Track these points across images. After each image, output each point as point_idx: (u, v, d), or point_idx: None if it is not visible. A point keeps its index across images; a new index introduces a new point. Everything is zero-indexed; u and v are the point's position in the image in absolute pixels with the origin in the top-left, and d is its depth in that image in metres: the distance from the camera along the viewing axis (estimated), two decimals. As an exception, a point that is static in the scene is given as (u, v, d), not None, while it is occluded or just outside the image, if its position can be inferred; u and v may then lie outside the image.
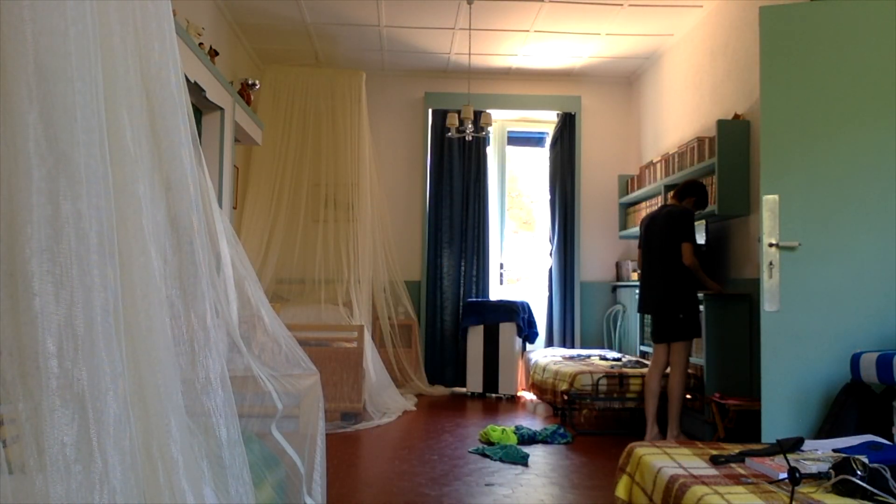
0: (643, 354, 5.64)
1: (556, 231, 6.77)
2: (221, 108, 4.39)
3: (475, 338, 6.26)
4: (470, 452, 4.15)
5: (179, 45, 2.36)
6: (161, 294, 1.24)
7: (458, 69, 6.64)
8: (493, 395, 6.27)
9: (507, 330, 6.16)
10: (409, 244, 6.81)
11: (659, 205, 5.59)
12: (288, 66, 6.43)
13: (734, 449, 2.32)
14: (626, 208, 6.57)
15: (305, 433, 2.09)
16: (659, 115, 6.20)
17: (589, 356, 5.65)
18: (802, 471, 1.85)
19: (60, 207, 0.99)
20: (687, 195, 4.41)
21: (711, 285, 4.31)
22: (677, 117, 5.76)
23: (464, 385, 6.39)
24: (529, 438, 4.47)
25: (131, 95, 1.24)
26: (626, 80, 6.96)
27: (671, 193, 4.57)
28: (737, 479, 1.96)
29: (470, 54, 6.08)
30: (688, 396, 4.60)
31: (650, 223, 4.45)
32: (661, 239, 4.30)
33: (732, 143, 4.40)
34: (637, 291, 5.29)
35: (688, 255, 4.17)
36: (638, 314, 5.75)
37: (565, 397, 4.77)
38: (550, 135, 7.00)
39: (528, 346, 6.52)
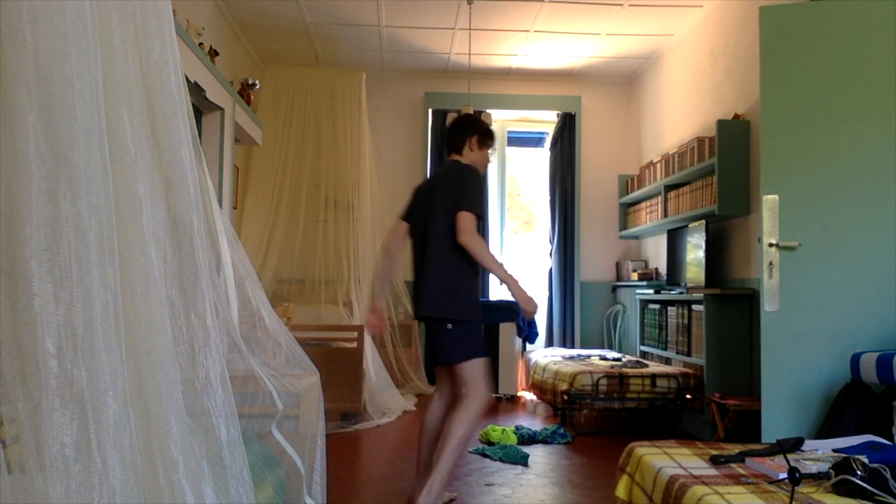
0: (643, 354, 5.64)
1: (556, 231, 6.77)
2: (221, 108, 4.38)
3: (475, 338, 6.25)
4: (470, 452, 4.15)
5: (179, 45, 2.36)
6: (161, 294, 1.24)
7: (458, 69, 6.64)
8: (493, 395, 6.27)
9: (507, 330, 6.16)
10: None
11: (659, 205, 5.60)
12: (288, 66, 6.43)
13: (734, 449, 2.31)
14: (626, 208, 6.57)
15: (305, 433, 2.09)
16: (659, 115, 6.20)
17: (589, 356, 5.65)
18: (802, 471, 1.85)
19: (60, 207, 0.99)
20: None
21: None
22: (677, 117, 5.76)
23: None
24: (529, 438, 4.47)
25: (131, 95, 1.24)
26: (626, 80, 6.96)
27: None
28: (737, 479, 1.96)
29: (470, 54, 6.08)
30: (688, 396, 4.60)
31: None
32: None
33: (732, 143, 4.40)
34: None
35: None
36: (637, 314, 5.76)
37: (565, 397, 4.77)
38: (550, 135, 7.00)
39: (528, 346, 6.52)
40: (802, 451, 2.20)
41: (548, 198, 6.91)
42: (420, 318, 3.07)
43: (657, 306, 5.36)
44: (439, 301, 2.95)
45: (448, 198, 2.94)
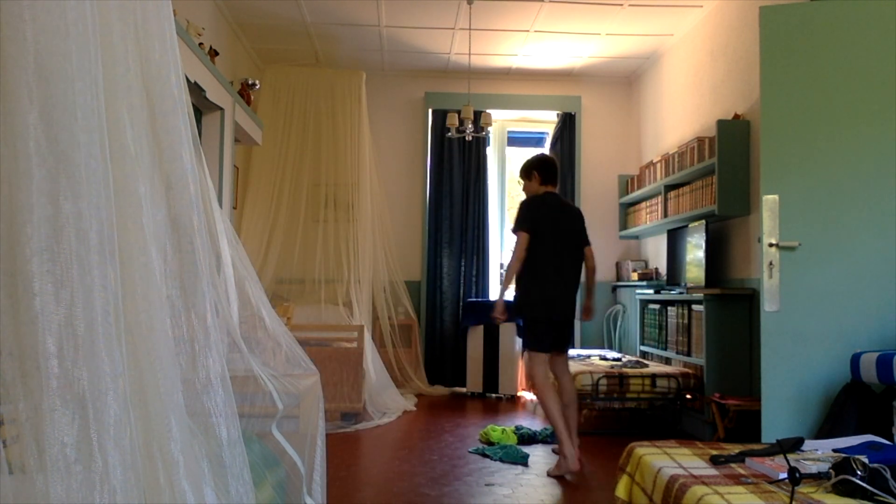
0: (643, 354, 5.64)
1: (556, 231, 6.76)
2: (221, 108, 4.38)
3: (475, 338, 6.26)
4: (470, 452, 4.15)
5: (179, 45, 2.36)
6: (161, 294, 1.24)
7: (458, 69, 6.64)
8: (493, 395, 6.27)
9: (507, 330, 6.16)
10: (409, 244, 6.81)
11: (659, 205, 5.60)
12: (288, 66, 6.43)
13: (734, 449, 2.31)
14: (626, 208, 6.57)
15: (305, 433, 2.09)
16: (659, 115, 6.20)
17: (589, 356, 5.65)
18: (802, 471, 1.85)
19: (61, 207, 0.99)
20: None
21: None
22: (677, 117, 5.76)
23: (464, 385, 6.39)
24: (529, 438, 4.47)
25: (132, 95, 1.23)
26: (626, 80, 6.96)
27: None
28: (737, 479, 1.96)
29: (470, 54, 6.08)
30: (688, 396, 4.60)
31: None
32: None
33: (732, 143, 4.40)
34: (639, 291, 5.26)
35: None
36: (637, 314, 5.76)
37: (565, 397, 4.76)
38: (550, 135, 7.00)
39: (528, 346, 6.52)
40: (802, 451, 2.20)
41: (548, 198, 6.90)
42: (564, 319, 3.96)
43: (657, 306, 5.36)
44: (574, 307, 4.03)
45: (581, 232, 4.06)
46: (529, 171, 4.10)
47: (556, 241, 3.89)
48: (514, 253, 3.89)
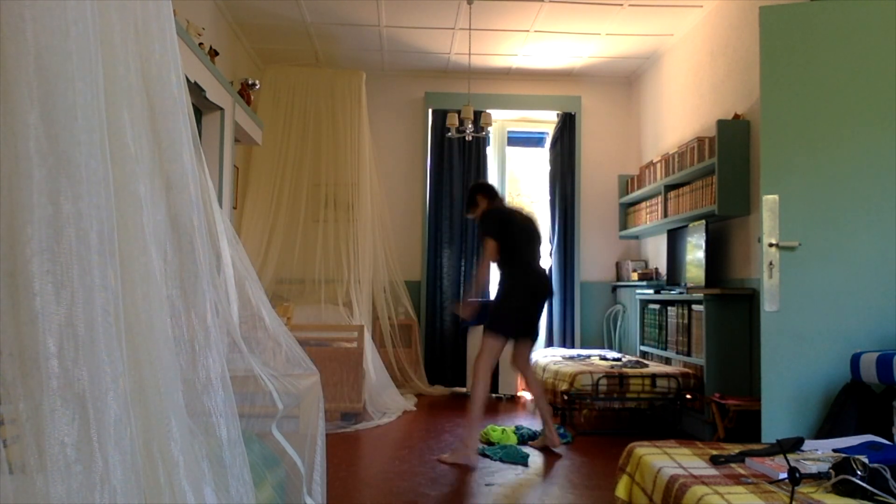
0: (643, 354, 5.64)
1: (556, 231, 6.77)
2: (221, 108, 4.38)
3: (475, 338, 6.25)
4: (470, 452, 4.15)
5: (180, 45, 2.36)
6: (161, 294, 1.24)
7: (458, 69, 6.64)
8: (493, 395, 6.27)
9: (507, 330, 6.14)
10: (409, 244, 6.81)
11: (659, 205, 5.61)
12: (288, 66, 6.43)
13: (734, 449, 2.32)
14: (626, 208, 6.57)
15: (305, 433, 2.09)
16: (659, 115, 6.20)
17: (589, 356, 5.65)
18: (802, 471, 1.85)
19: (61, 207, 0.99)
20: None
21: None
22: (677, 117, 5.76)
23: (464, 385, 6.39)
24: (529, 438, 4.47)
25: (132, 95, 1.23)
26: (626, 80, 6.96)
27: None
28: (737, 479, 1.96)
29: (470, 54, 6.08)
30: (688, 396, 4.60)
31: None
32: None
33: (732, 143, 4.40)
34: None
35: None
36: (637, 314, 5.76)
37: (565, 397, 4.77)
38: (550, 135, 7.00)
39: (528, 346, 6.51)
40: (802, 451, 2.20)
41: (548, 198, 6.91)
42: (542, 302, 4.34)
43: (657, 306, 5.36)
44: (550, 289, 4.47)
45: (537, 232, 4.44)
46: (473, 198, 4.43)
47: (522, 239, 4.25)
48: (483, 259, 4.37)
